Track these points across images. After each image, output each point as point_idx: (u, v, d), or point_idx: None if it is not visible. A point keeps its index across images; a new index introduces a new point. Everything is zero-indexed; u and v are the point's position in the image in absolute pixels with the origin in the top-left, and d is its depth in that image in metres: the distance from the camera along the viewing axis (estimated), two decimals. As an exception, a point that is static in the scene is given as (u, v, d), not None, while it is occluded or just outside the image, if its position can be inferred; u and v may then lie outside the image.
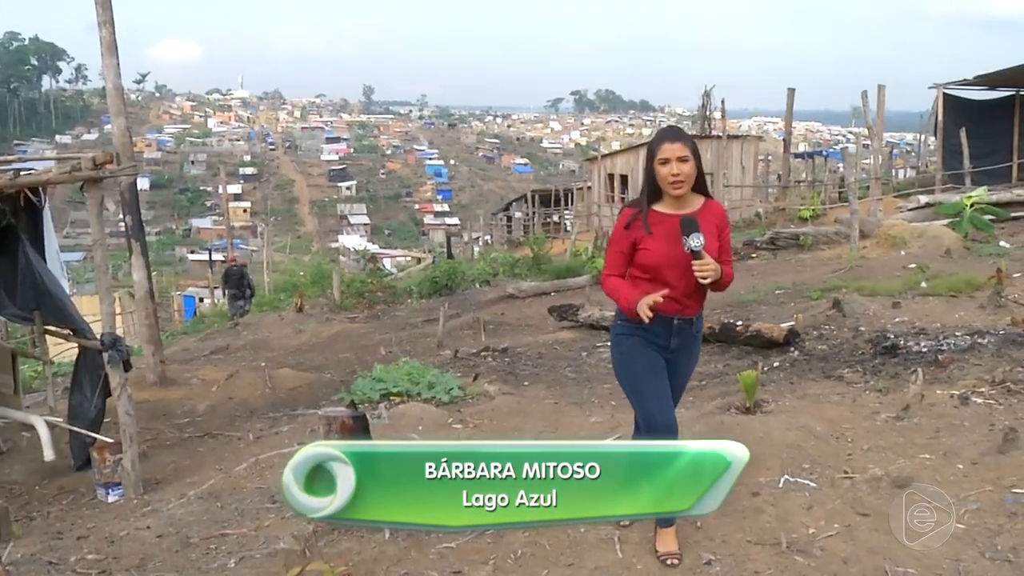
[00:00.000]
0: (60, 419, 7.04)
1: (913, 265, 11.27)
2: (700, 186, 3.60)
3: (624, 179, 29.29)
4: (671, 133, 3.57)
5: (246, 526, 4.77)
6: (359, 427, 4.44)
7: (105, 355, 6.18)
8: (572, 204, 34.59)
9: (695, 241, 3.38)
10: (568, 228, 32.12)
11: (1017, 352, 6.56)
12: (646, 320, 3.37)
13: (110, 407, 6.75)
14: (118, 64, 9.47)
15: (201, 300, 35.69)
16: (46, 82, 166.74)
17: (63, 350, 11.52)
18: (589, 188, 32.33)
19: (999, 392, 5.72)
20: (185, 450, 7.27)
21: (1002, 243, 12.88)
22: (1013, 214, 15.46)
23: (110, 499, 5.95)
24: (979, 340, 7.01)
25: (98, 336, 6.47)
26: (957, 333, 7.38)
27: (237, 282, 20.51)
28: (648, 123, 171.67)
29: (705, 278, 3.42)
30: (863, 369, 6.96)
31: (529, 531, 3.95)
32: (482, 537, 3.98)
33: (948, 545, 3.72)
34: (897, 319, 8.42)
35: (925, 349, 7.06)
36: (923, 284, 9.81)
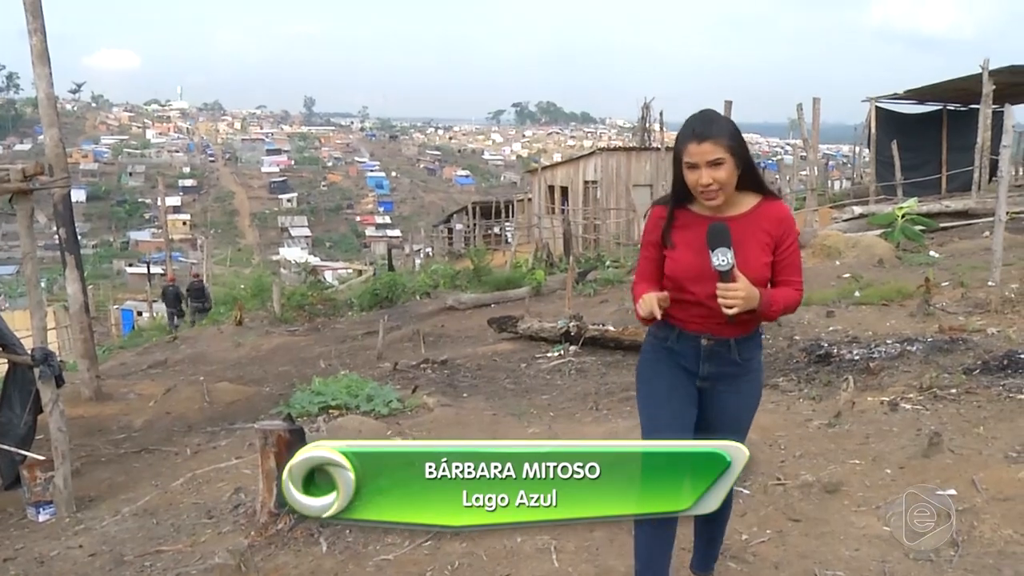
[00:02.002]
0: (-12, 437, 6.85)
1: (848, 275, 11.51)
2: (752, 183, 2.87)
3: (564, 191, 29.51)
4: (696, 129, 2.75)
5: (182, 542, 4.68)
6: (295, 440, 4.39)
7: (36, 370, 6.05)
8: (513, 216, 34.70)
9: (720, 259, 2.69)
10: (509, 240, 32.20)
11: (943, 359, 6.74)
12: (647, 318, 2.80)
13: (42, 424, 6.60)
14: (50, 73, 9.31)
15: (139, 314, 34.95)
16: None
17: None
18: (530, 200, 32.47)
19: (926, 398, 5.88)
20: (120, 466, 7.12)
21: (932, 253, 13.22)
22: (942, 224, 15.89)
23: (41, 518, 5.79)
24: (908, 347, 7.19)
25: (29, 351, 6.34)
26: (888, 341, 7.56)
27: (173, 300, 21.65)
28: (589, 135, 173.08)
29: (729, 307, 2.71)
30: (797, 377, 7.09)
31: (466, 542, 3.94)
32: (420, 548, 3.97)
33: (875, 547, 3.80)
34: (831, 328, 8.60)
35: (857, 357, 7.21)
36: (856, 293, 10.02)
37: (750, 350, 2.96)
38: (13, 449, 6.54)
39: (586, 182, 29.31)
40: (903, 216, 14.10)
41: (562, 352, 9.89)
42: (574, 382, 8.64)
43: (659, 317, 2.79)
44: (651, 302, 2.78)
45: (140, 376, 12.51)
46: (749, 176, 2.84)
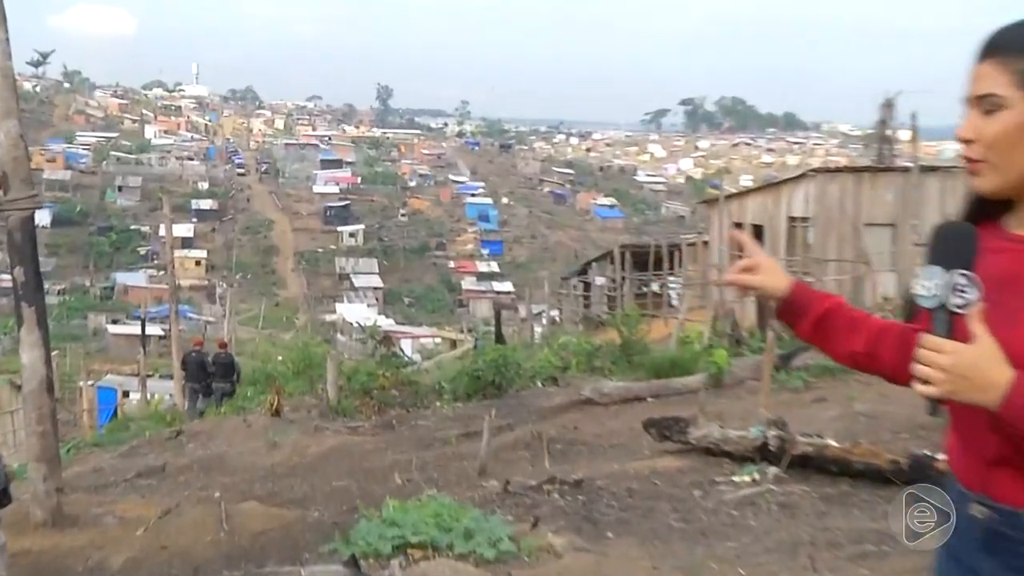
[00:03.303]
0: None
1: None
2: None
3: (759, 231, 29.17)
4: (986, 40, 2.22)
5: None
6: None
7: None
8: (680, 266, 34.52)
9: (930, 284, 2.12)
10: (674, 302, 31.95)
11: None
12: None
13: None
14: (7, 39, 9.46)
15: (126, 395, 35.86)
16: None
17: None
18: (706, 244, 32.29)
19: None
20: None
21: None
22: None
23: None
24: None
25: None
26: None
27: (197, 372, 22.14)
28: (796, 147, 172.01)
29: (929, 383, 2.04)
30: None
31: None
32: None
33: None
34: None
35: None
36: None
37: None
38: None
39: (792, 219, 28.99)
40: None
41: (756, 476, 9.69)
42: (776, 524, 8.44)
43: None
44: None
45: (124, 489, 12.73)
46: None
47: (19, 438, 22.84)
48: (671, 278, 35.29)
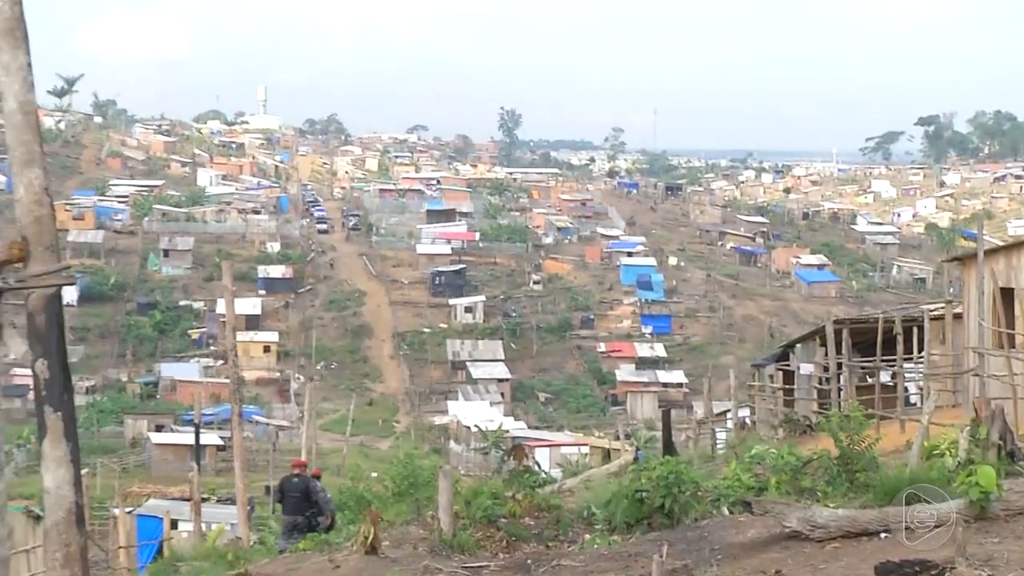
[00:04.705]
0: None
1: None
2: None
3: (1030, 297, 28.58)
4: None
5: None
6: None
7: None
8: (922, 350, 33.94)
9: None
10: (913, 399, 31.40)
11: None
12: None
13: None
14: (29, 64, 9.65)
15: (174, 525, 36.36)
16: None
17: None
18: (958, 316, 31.72)
19: None
20: None
21: None
22: None
23: None
24: None
25: None
26: None
27: (298, 504, 22.93)
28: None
29: None
30: None
31: None
32: None
33: None
34: None
35: None
36: None
37: None
38: None
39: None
40: None
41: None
42: None
43: None
44: None
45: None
46: None
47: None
48: (908, 365, 34.74)
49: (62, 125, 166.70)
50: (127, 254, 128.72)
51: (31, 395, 9.76)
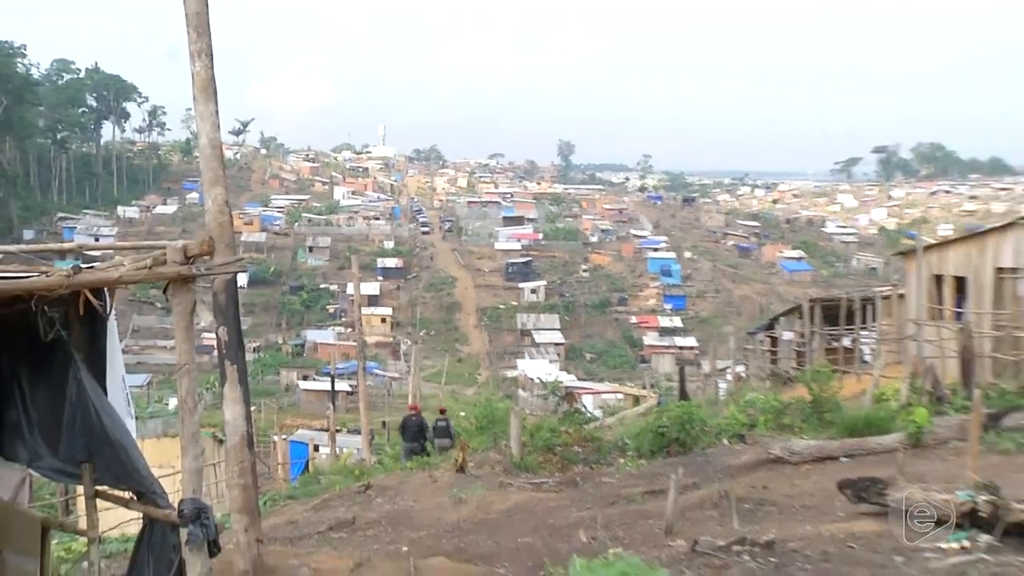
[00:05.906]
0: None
1: None
2: None
3: (960, 283, 28.32)
4: None
5: None
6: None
7: (183, 531, 6.17)
8: (874, 321, 33.71)
9: None
10: (867, 358, 31.18)
11: None
12: None
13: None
14: (216, 111, 9.87)
15: (316, 449, 36.59)
16: (107, 131, 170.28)
17: (119, 521, 11.94)
18: (902, 297, 31.46)
19: None
20: None
21: None
22: None
23: None
24: None
25: (174, 504, 6.44)
26: None
27: (415, 435, 25.06)
28: (1002, 193, 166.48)
29: None
30: None
31: None
32: None
33: None
34: None
35: None
36: None
37: None
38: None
39: (999, 270, 27.99)
40: None
41: (967, 544, 9.31)
42: (989, 597, 8.11)
43: None
44: None
45: (317, 541, 12.98)
46: None
47: (220, 489, 23.83)
48: (864, 333, 34.48)
49: (238, 156, 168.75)
50: (282, 250, 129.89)
51: (215, 352, 9.99)
